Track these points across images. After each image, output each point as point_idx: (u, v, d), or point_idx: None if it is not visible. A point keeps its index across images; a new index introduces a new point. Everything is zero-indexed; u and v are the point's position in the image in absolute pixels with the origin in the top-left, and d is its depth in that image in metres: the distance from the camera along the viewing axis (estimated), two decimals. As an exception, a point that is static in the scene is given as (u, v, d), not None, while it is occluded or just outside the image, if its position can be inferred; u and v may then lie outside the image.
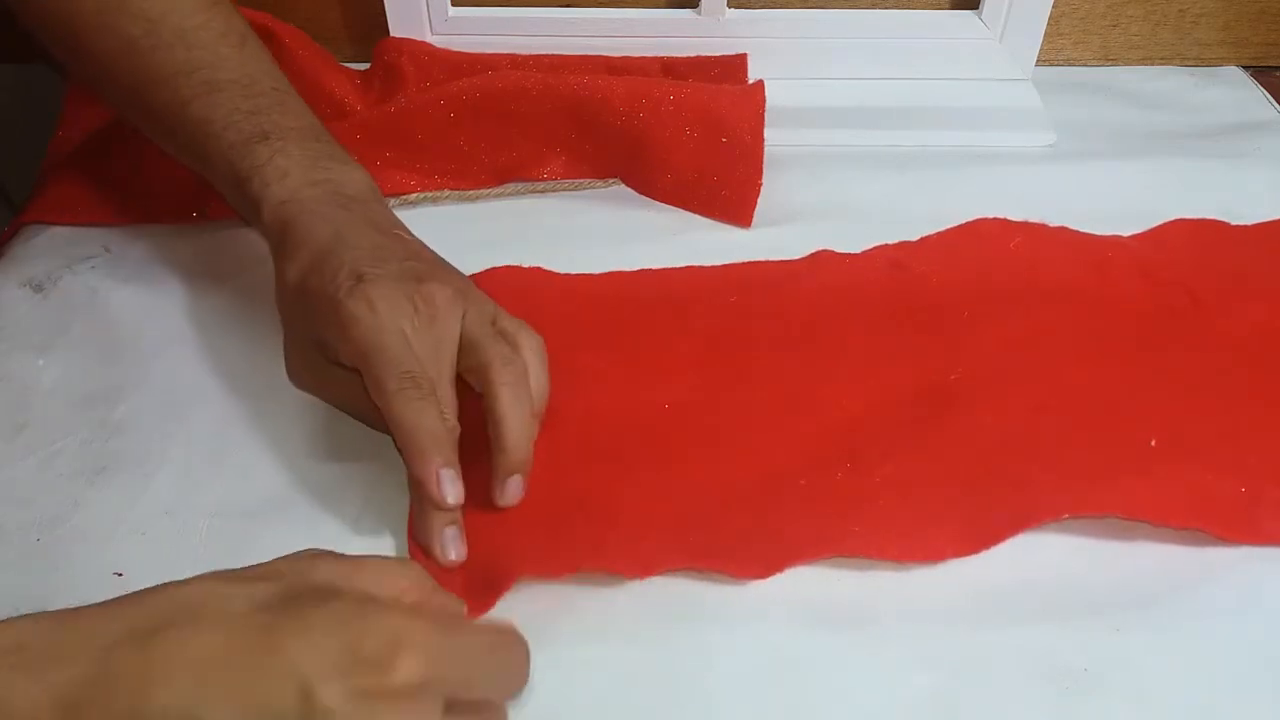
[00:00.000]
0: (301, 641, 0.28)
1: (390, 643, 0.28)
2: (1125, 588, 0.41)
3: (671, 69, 0.66)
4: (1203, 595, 0.41)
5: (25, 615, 0.29)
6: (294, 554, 0.33)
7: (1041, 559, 0.42)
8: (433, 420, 0.39)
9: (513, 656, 0.33)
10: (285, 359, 0.45)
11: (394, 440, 0.41)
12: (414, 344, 0.40)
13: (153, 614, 0.29)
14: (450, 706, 0.30)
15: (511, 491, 0.42)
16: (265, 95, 0.48)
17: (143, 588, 0.30)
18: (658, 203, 0.60)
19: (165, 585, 0.30)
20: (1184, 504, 0.42)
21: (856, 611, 0.40)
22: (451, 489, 0.39)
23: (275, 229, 0.44)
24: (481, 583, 0.40)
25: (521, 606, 0.39)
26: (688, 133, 0.58)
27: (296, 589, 0.30)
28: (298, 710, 0.27)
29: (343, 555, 0.33)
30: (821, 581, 0.41)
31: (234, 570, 0.31)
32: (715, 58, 0.66)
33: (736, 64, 0.66)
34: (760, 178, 0.59)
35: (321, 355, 0.43)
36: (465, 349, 0.42)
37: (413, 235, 0.46)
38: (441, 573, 0.40)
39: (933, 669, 0.38)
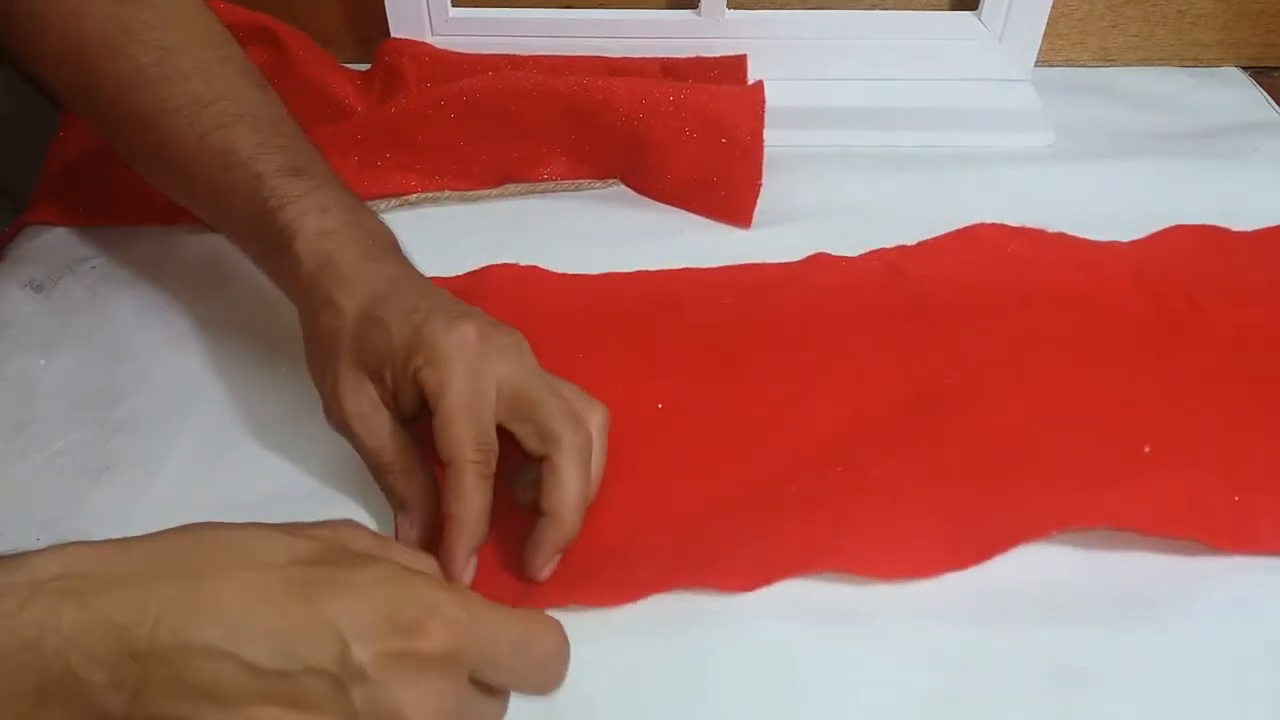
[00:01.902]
0: (342, 600, 0.28)
1: (425, 610, 0.29)
2: (1125, 588, 0.41)
3: (671, 70, 0.66)
4: (1202, 595, 0.41)
5: (73, 543, 0.29)
6: (331, 520, 0.33)
7: (1042, 559, 0.42)
8: (486, 504, 0.39)
9: (544, 648, 0.32)
10: (330, 393, 0.42)
11: (445, 497, 0.39)
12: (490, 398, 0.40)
13: (202, 553, 0.29)
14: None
15: (551, 565, 0.41)
16: (292, 136, 0.47)
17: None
18: (658, 203, 0.60)
19: (216, 526, 0.30)
20: (1178, 513, 0.42)
21: (856, 611, 0.40)
22: (470, 574, 0.40)
23: (317, 258, 0.42)
24: None
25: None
26: (687, 133, 0.58)
27: (336, 550, 0.31)
28: (334, 665, 0.28)
29: (372, 531, 0.33)
30: (821, 581, 0.41)
31: (280, 524, 0.32)
32: (715, 58, 0.66)
33: (736, 64, 0.66)
34: (760, 178, 0.59)
35: (374, 389, 0.41)
36: (526, 404, 0.40)
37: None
38: None
39: (933, 669, 0.39)
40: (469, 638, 0.29)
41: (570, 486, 0.40)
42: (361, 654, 0.28)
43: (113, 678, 0.27)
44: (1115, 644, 0.39)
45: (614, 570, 0.41)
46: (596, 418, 0.42)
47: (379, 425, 0.41)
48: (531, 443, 0.40)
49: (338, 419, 0.42)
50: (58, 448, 0.46)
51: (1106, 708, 0.37)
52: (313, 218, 0.43)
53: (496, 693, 0.32)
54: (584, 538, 0.41)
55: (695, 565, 0.41)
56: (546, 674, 0.32)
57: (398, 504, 0.42)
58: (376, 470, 0.42)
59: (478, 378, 0.40)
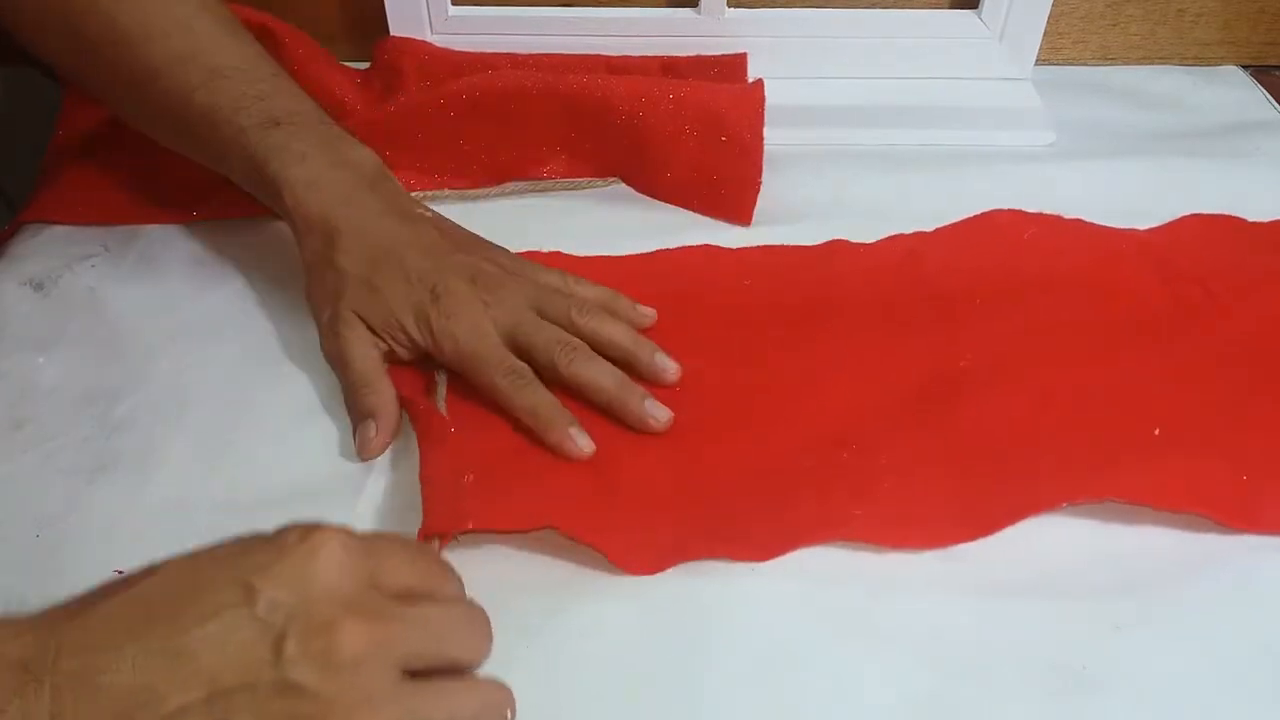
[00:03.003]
0: (237, 556, 0.31)
1: (306, 533, 0.31)
2: (1125, 587, 0.41)
3: (671, 68, 0.66)
4: (1202, 594, 0.41)
5: (51, 610, 0.30)
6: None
7: (1041, 558, 0.42)
8: (546, 397, 0.45)
9: (435, 565, 0.35)
10: (329, 332, 0.47)
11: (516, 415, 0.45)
12: (498, 337, 0.46)
13: (96, 589, 0.31)
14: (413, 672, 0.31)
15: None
16: (267, 80, 0.50)
17: None
18: (658, 202, 0.60)
19: (177, 567, 0.32)
20: (1184, 489, 0.43)
21: (856, 611, 0.40)
22: (585, 441, 0.44)
23: (305, 214, 0.47)
24: (502, 511, 0.42)
25: (519, 603, 0.39)
26: (687, 131, 0.58)
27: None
28: (242, 602, 0.29)
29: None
30: (821, 581, 0.41)
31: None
32: (715, 57, 0.66)
33: (736, 63, 0.66)
34: (760, 176, 0.58)
35: (368, 335, 0.47)
36: (524, 347, 0.46)
37: (433, 212, 0.51)
38: (456, 498, 0.42)
39: (933, 669, 0.38)
40: (356, 551, 0.31)
41: (591, 380, 0.46)
42: (264, 586, 0.29)
43: None
44: (1115, 643, 0.39)
45: (636, 535, 0.42)
46: (585, 289, 0.50)
47: (368, 361, 0.46)
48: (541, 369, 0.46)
49: (332, 354, 0.47)
50: (56, 446, 0.46)
51: (1106, 707, 0.37)
52: (294, 169, 0.47)
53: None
54: (607, 500, 0.43)
55: (709, 536, 0.42)
56: (440, 582, 0.34)
57: (365, 414, 0.46)
58: (353, 390, 0.46)
59: (483, 333, 0.46)
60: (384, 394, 0.46)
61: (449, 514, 0.41)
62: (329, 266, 0.47)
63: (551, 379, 0.46)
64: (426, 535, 0.41)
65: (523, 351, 0.46)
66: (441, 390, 0.47)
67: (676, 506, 0.43)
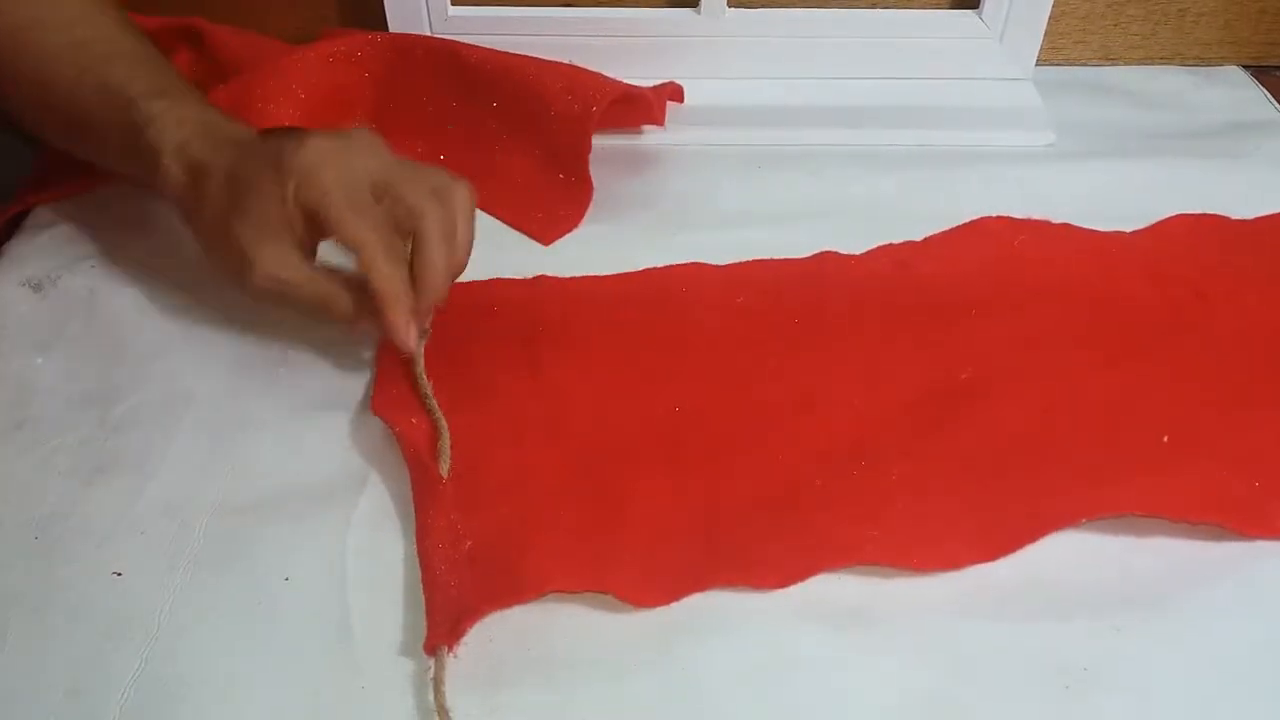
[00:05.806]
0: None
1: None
2: (1125, 587, 0.41)
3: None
4: (1203, 594, 0.41)
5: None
6: None
7: (1042, 558, 0.42)
8: (405, 274, 0.45)
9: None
10: (244, 267, 0.45)
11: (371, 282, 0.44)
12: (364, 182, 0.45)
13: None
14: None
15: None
16: (158, 62, 0.52)
17: None
18: (656, 201, 0.60)
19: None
20: (1200, 499, 0.42)
21: (856, 611, 0.40)
22: (413, 337, 0.45)
23: (181, 169, 0.47)
24: (502, 589, 0.40)
25: (517, 607, 0.39)
26: (519, 146, 0.60)
27: None
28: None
29: None
30: (821, 581, 0.41)
31: None
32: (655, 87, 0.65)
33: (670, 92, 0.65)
34: (579, 218, 0.58)
35: (285, 242, 0.45)
36: (392, 185, 0.45)
37: None
38: (456, 581, 0.40)
39: (933, 669, 0.38)
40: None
41: (435, 252, 0.45)
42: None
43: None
44: (1116, 643, 0.39)
45: (646, 568, 0.41)
46: (460, 193, 0.46)
47: (298, 265, 0.45)
48: (401, 217, 0.45)
49: (263, 282, 0.45)
50: (55, 446, 0.46)
51: (1107, 707, 0.37)
52: (171, 132, 0.48)
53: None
54: (613, 536, 0.42)
55: (726, 565, 0.41)
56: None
57: (353, 315, 0.45)
58: (319, 306, 0.45)
59: (349, 174, 0.44)
60: (351, 289, 0.45)
61: (452, 612, 0.39)
62: (206, 203, 0.46)
63: (404, 221, 0.45)
64: (433, 648, 0.38)
65: (391, 190, 0.45)
66: (445, 451, 0.45)
67: (686, 535, 0.42)
